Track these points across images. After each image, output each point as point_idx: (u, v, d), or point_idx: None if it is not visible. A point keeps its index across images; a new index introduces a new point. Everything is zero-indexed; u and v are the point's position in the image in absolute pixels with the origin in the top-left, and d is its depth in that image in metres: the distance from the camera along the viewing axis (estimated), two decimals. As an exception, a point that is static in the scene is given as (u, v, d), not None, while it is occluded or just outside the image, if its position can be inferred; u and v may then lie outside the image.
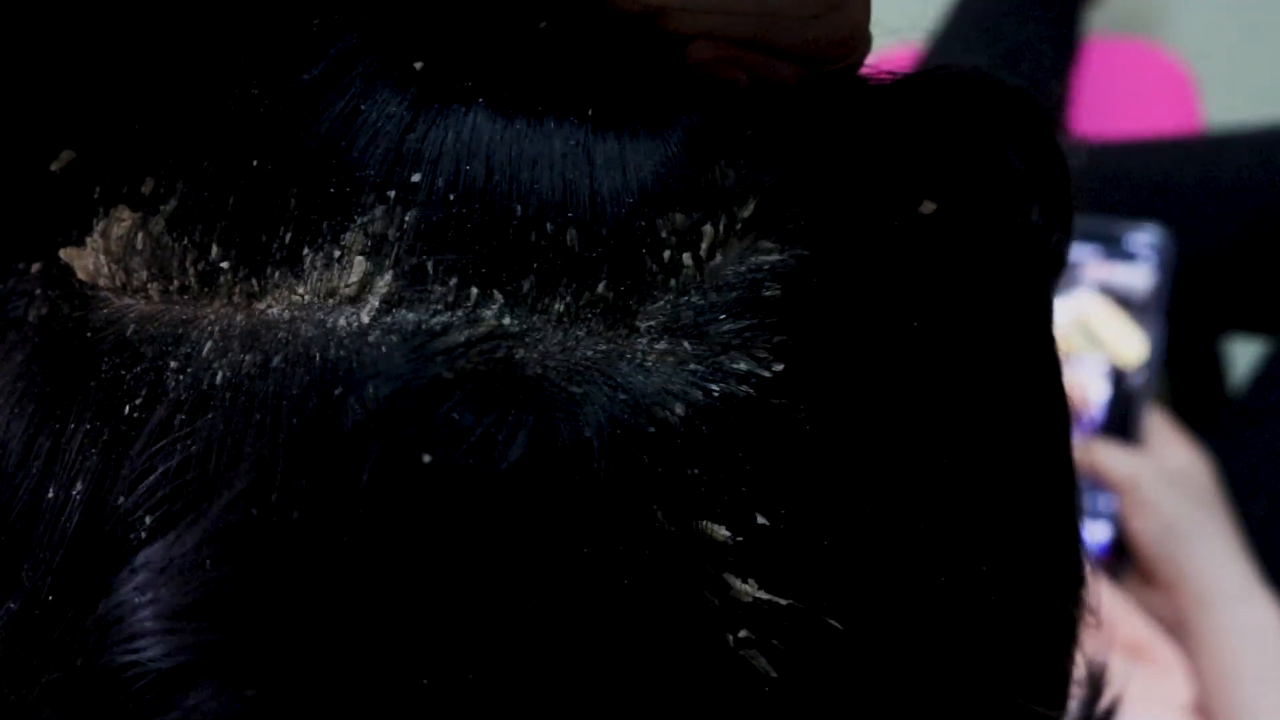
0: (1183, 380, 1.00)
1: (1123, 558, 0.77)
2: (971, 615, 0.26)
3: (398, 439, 0.23)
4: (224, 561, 0.23)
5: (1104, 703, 0.35)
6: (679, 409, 0.24)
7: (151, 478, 0.24)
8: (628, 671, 0.24)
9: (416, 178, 0.25)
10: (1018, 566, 0.27)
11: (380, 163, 0.25)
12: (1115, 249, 0.85)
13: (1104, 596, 0.32)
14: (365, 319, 0.24)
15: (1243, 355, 1.05)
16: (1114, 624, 0.66)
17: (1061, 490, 0.29)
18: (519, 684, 0.23)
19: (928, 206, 0.27)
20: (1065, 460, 0.30)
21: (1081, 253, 0.84)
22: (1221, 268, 0.93)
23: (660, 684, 0.24)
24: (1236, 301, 0.95)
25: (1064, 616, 0.29)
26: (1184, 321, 0.91)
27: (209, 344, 0.24)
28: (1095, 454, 0.76)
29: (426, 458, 0.23)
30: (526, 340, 0.24)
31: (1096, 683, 0.34)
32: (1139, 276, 0.85)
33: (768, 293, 0.25)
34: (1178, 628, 0.73)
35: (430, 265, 0.24)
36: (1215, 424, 0.87)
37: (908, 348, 0.26)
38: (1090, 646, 0.32)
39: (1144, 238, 0.85)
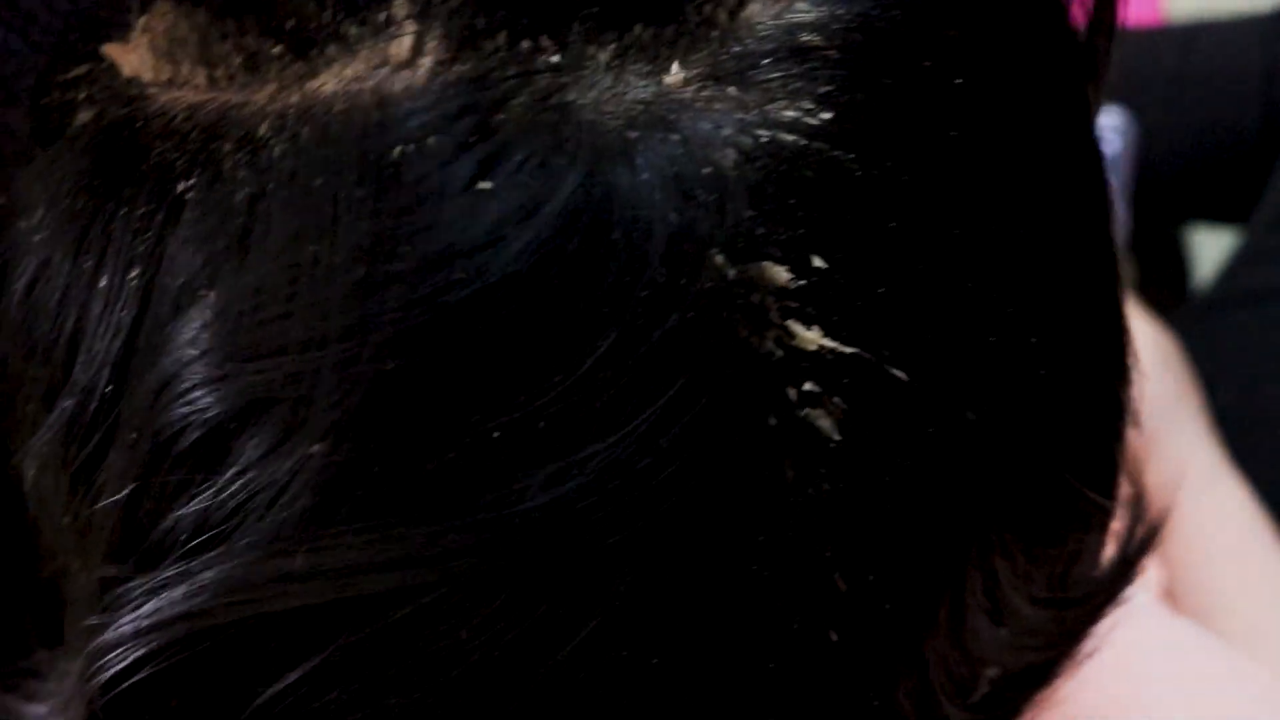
0: (1147, 268, 1.00)
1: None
2: (1022, 383, 0.26)
3: (460, 185, 0.23)
4: (278, 303, 0.23)
5: (1148, 523, 0.34)
6: (730, 153, 0.24)
7: (205, 253, 0.24)
8: (691, 433, 0.24)
9: None
10: (1065, 341, 0.28)
11: None
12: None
13: None
14: (421, 79, 0.24)
15: (1206, 250, 1.04)
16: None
17: (1105, 276, 0.29)
18: (579, 445, 0.23)
19: None
20: (1108, 249, 0.29)
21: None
22: (1187, 157, 0.92)
23: (722, 449, 0.24)
24: (1202, 190, 0.94)
25: (1112, 401, 0.29)
26: (1149, 210, 0.90)
27: (264, 123, 0.24)
28: None
29: (485, 183, 0.23)
30: (580, 86, 0.24)
31: (1140, 502, 0.34)
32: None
33: (806, 40, 0.25)
34: (1146, 511, 0.71)
35: (480, 21, 0.24)
36: (1182, 311, 0.87)
37: (952, 102, 0.26)
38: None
39: (1109, 121, 0.84)
